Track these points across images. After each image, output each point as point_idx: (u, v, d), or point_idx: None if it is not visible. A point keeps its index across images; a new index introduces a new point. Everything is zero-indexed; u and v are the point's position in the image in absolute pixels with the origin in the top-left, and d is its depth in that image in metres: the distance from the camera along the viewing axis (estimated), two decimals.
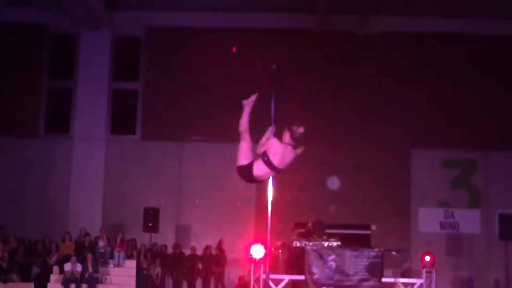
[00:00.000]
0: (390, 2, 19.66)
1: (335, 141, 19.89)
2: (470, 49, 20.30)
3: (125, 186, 20.04)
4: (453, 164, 20.18)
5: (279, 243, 16.00)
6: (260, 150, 8.31)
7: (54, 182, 20.04)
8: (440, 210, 20.01)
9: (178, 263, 19.02)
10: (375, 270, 15.39)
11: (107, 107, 20.56)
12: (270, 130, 8.79)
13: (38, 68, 20.66)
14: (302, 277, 15.55)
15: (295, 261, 15.94)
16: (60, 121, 20.76)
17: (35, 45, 20.61)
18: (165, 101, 20.40)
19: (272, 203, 8.97)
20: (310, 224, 16.90)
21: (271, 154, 8.16)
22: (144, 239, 18.64)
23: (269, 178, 8.68)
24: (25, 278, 17.00)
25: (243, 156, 8.31)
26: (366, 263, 15.35)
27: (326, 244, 15.85)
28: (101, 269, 17.21)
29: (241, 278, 18.30)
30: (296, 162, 8.87)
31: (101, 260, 17.58)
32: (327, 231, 16.75)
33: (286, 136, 8.29)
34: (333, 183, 20.06)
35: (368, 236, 19.39)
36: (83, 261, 17.03)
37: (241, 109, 8.81)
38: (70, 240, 18.11)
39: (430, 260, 15.68)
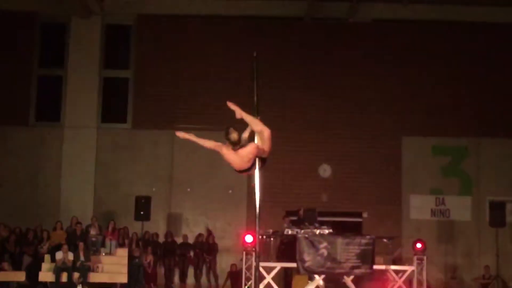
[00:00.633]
0: None
1: (326, 128, 19.91)
2: (460, 36, 20.31)
3: (117, 174, 20.01)
4: (444, 151, 20.23)
5: (271, 231, 16.03)
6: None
7: (45, 170, 19.98)
8: (431, 198, 20.07)
9: (170, 251, 19.05)
10: (367, 257, 15.45)
11: (98, 95, 20.48)
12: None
13: (28, 57, 20.54)
14: (293, 265, 15.60)
15: (287, 249, 15.99)
16: (50, 110, 20.67)
17: (24, 33, 20.48)
18: (156, 89, 20.34)
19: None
20: (301, 212, 16.94)
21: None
22: (135, 227, 18.63)
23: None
24: (16, 267, 16.99)
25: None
26: (358, 251, 15.41)
27: (317, 231, 15.89)
28: (92, 257, 17.21)
29: (233, 266, 18.34)
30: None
31: (93, 248, 17.59)
32: (319, 218, 16.81)
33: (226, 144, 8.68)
34: (325, 171, 20.08)
35: (359, 223, 19.51)
36: (74, 250, 17.03)
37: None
38: (62, 229, 18.08)
39: (421, 247, 15.77)
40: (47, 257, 17.12)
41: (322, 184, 19.96)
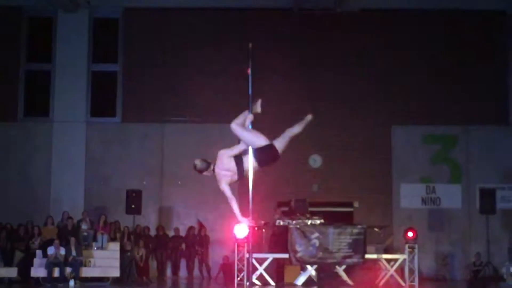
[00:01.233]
0: None
1: (316, 119, 19.80)
2: (448, 25, 20.33)
3: (107, 168, 19.97)
4: (433, 140, 20.28)
5: (262, 222, 16.04)
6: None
7: (34, 166, 19.92)
8: (421, 186, 20.13)
9: (162, 244, 19.06)
10: (358, 246, 15.49)
11: (87, 89, 20.42)
12: (247, 114, 8.86)
13: (16, 51, 20.45)
14: (286, 256, 15.63)
15: (279, 240, 16.01)
16: (39, 105, 20.59)
17: (11, 28, 20.38)
18: (145, 82, 20.29)
19: (254, 182, 8.97)
20: (292, 203, 16.96)
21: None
22: (127, 221, 18.61)
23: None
24: (8, 263, 16.96)
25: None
26: (349, 240, 15.45)
27: (309, 222, 15.92)
28: (84, 252, 17.18)
29: (225, 258, 18.35)
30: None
31: (85, 243, 17.56)
32: (310, 209, 16.83)
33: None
34: (315, 161, 20.11)
35: (350, 213, 19.55)
36: (66, 245, 17.00)
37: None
38: (53, 224, 18.05)
39: (412, 235, 15.81)
40: (38, 252, 17.09)
41: (313, 175, 19.99)
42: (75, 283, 16.57)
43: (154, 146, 20.13)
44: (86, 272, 16.94)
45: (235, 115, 8.98)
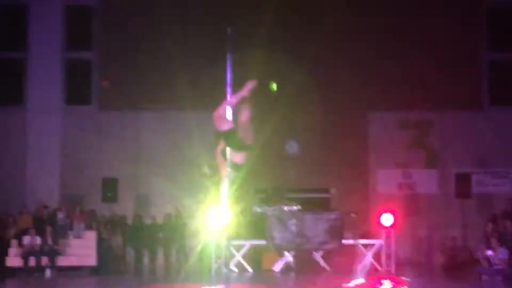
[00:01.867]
0: None
1: (292, 105, 19.87)
2: (423, 10, 20.32)
3: (83, 157, 19.82)
4: (409, 125, 20.36)
5: (240, 208, 16.03)
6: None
7: (9, 154, 19.72)
8: (397, 172, 20.23)
9: (139, 232, 18.98)
10: (335, 232, 15.58)
11: (62, 77, 20.24)
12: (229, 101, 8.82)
13: None
14: (263, 242, 15.66)
15: (256, 227, 16.03)
16: (13, 93, 20.38)
17: None
18: (121, 70, 20.13)
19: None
20: (270, 189, 16.98)
21: None
22: (103, 209, 18.52)
23: None
24: None
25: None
26: (326, 226, 15.53)
27: (286, 208, 15.95)
28: (60, 241, 17.09)
29: (203, 245, 18.29)
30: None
31: (61, 232, 17.44)
32: (287, 195, 16.86)
33: None
34: (292, 147, 20.11)
35: (327, 199, 19.57)
36: (42, 234, 16.89)
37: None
38: (28, 213, 17.91)
39: (389, 221, 15.91)
40: (14, 242, 16.96)
41: (289, 161, 19.99)
42: (51, 272, 16.49)
43: (130, 134, 20.02)
44: (62, 261, 16.85)
45: (213, 103, 8.93)
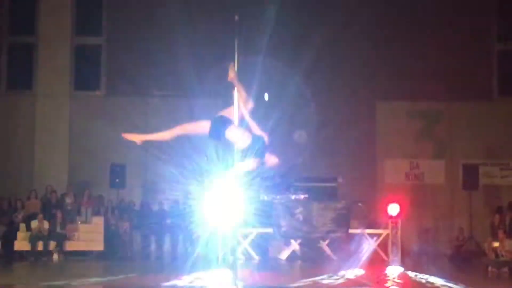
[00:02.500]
0: None
1: (301, 94, 19.86)
2: (433, 0, 20.26)
3: (91, 142, 19.86)
4: (418, 115, 20.32)
5: (247, 197, 16.05)
6: None
7: (18, 139, 19.79)
8: (405, 162, 20.22)
9: (146, 218, 19.03)
10: (342, 221, 15.61)
11: (70, 62, 20.26)
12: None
13: None
14: (270, 230, 15.70)
15: (263, 215, 16.06)
16: (22, 78, 20.42)
17: None
18: (130, 56, 20.09)
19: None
20: (276, 178, 17.00)
21: None
22: (111, 195, 18.58)
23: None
24: None
25: None
26: (333, 215, 15.56)
27: (293, 197, 15.98)
28: (68, 225, 17.17)
29: (210, 233, 18.34)
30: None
31: (68, 217, 17.54)
32: (294, 184, 16.88)
33: None
34: (300, 137, 20.11)
35: (334, 188, 19.58)
36: (50, 218, 16.98)
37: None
38: (36, 197, 18.00)
39: (395, 211, 15.92)
40: (22, 226, 17.07)
41: (297, 150, 19.98)
42: (58, 256, 16.59)
43: (138, 120, 20.01)
44: (70, 245, 16.96)
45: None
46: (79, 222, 17.57)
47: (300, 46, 20.03)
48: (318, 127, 19.88)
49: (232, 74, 8.51)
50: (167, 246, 19.14)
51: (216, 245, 15.40)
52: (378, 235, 16.08)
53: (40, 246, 16.60)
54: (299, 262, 16.18)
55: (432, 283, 11.64)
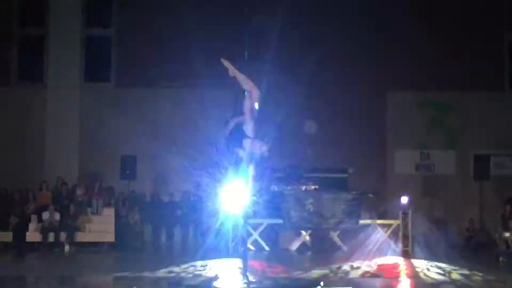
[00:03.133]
0: None
1: (311, 84, 19.81)
2: None
3: (101, 134, 19.89)
4: (429, 105, 20.26)
5: (258, 188, 16.05)
6: None
7: (29, 131, 19.85)
8: (416, 152, 20.17)
9: (157, 210, 19.07)
10: (352, 212, 15.59)
11: (81, 54, 20.29)
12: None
13: (8, 17, 20.25)
14: (280, 221, 15.70)
15: (273, 206, 16.06)
16: (33, 70, 20.46)
17: None
18: (140, 47, 20.12)
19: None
20: (287, 168, 16.99)
21: None
22: (121, 186, 18.62)
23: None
24: (3, 228, 17.03)
25: None
26: (343, 206, 15.54)
27: (303, 188, 15.96)
28: (79, 217, 17.23)
29: (221, 224, 18.36)
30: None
31: (79, 208, 17.58)
32: (304, 175, 16.86)
33: None
34: (310, 127, 20.08)
35: (345, 179, 19.54)
36: (61, 210, 17.04)
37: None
38: (47, 189, 18.06)
39: (406, 201, 15.89)
40: (33, 217, 17.14)
41: (308, 140, 19.96)
42: (70, 248, 16.65)
43: (149, 111, 20.05)
44: (81, 237, 17.01)
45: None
46: (90, 214, 17.63)
47: (311, 38, 19.98)
48: (329, 118, 19.86)
49: (228, 67, 8.54)
50: (177, 237, 19.19)
51: (227, 236, 15.42)
52: (389, 226, 16.05)
53: (51, 237, 16.68)
54: (309, 253, 16.18)
55: (443, 272, 11.62)
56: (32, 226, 16.99)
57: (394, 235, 16.18)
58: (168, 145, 19.71)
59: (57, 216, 16.90)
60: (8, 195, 18.01)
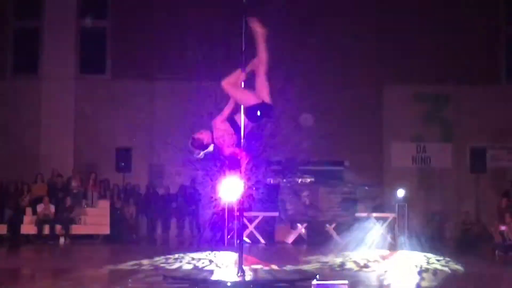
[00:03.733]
0: None
1: (308, 78, 19.76)
2: None
3: (96, 125, 19.85)
4: (425, 98, 20.24)
5: (253, 180, 16.03)
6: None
7: (24, 123, 19.78)
8: (412, 145, 20.16)
9: (152, 202, 19.05)
10: (349, 205, 15.58)
11: (76, 46, 20.21)
12: (239, 72, 8.72)
13: (4, 9, 20.17)
14: (276, 214, 15.67)
15: (269, 198, 16.05)
16: (28, 62, 20.39)
17: None
18: (135, 38, 20.06)
19: (246, 140, 8.91)
20: (283, 161, 16.96)
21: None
22: (117, 179, 18.57)
23: None
24: None
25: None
26: (340, 199, 15.53)
27: (299, 180, 15.94)
28: (74, 209, 17.18)
29: (215, 216, 18.34)
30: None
31: (75, 200, 17.53)
32: (300, 168, 16.84)
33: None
34: (306, 120, 20.02)
35: (341, 172, 19.57)
36: (56, 202, 16.99)
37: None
38: (42, 181, 18.00)
39: (402, 194, 15.88)
40: (28, 209, 17.08)
41: (304, 133, 19.91)
42: (65, 240, 16.61)
43: (144, 103, 19.99)
44: (76, 229, 16.96)
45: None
46: (85, 206, 17.58)
47: (308, 31, 19.91)
48: (325, 110, 19.82)
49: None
50: (173, 229, 19.18)
51: (222, 229, 15.39)
52: (385, 219, 16.04)
53: (46, 229, 16.62)
54: (305, 245, 16.16)
55: (437, 265, 11.60)
56: (27, 218, 16.94)
57: (390, 228, 16.17)
58: (164, 138, 19.67)
59: (52, 208, 16.84)
60: (2, 187, 17.96)
